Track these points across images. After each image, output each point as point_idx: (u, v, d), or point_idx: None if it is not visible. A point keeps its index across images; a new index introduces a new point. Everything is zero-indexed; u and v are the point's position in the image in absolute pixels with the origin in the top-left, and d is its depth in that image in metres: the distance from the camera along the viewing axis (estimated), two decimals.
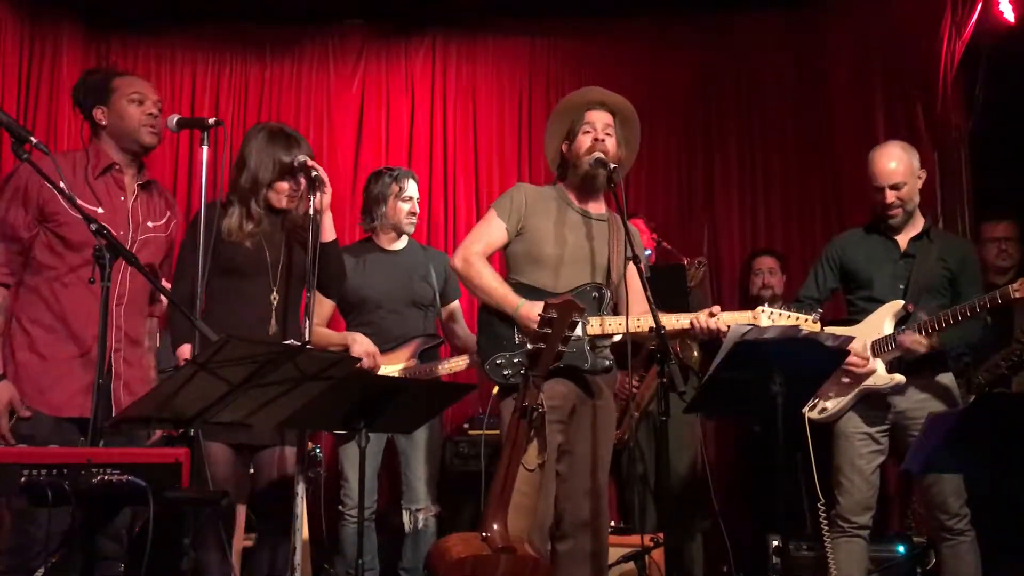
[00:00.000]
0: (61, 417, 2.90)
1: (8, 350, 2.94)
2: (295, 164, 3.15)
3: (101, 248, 2.56)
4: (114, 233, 2.95)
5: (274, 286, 3.16)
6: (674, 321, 3.21)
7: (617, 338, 3.29)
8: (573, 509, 3.23)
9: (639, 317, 3.20)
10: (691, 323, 3.20)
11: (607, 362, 3.29)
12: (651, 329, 2.97)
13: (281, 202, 3.19)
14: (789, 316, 3.20)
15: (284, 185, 3.17)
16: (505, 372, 3.20)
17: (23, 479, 1.99)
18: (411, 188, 4.19)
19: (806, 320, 3.19)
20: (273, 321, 3.14)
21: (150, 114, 3.08)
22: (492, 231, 3.35)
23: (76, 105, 3.18)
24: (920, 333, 3.49)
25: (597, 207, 3.45)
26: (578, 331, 3.18)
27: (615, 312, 3.37)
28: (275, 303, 3.15)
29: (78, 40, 5.91)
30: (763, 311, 3.22)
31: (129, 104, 3.07)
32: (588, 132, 3.35)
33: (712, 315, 3.18)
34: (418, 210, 4.24)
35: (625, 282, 3.31)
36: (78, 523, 2.13)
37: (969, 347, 3.81)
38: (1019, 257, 4.53)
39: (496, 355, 3.22)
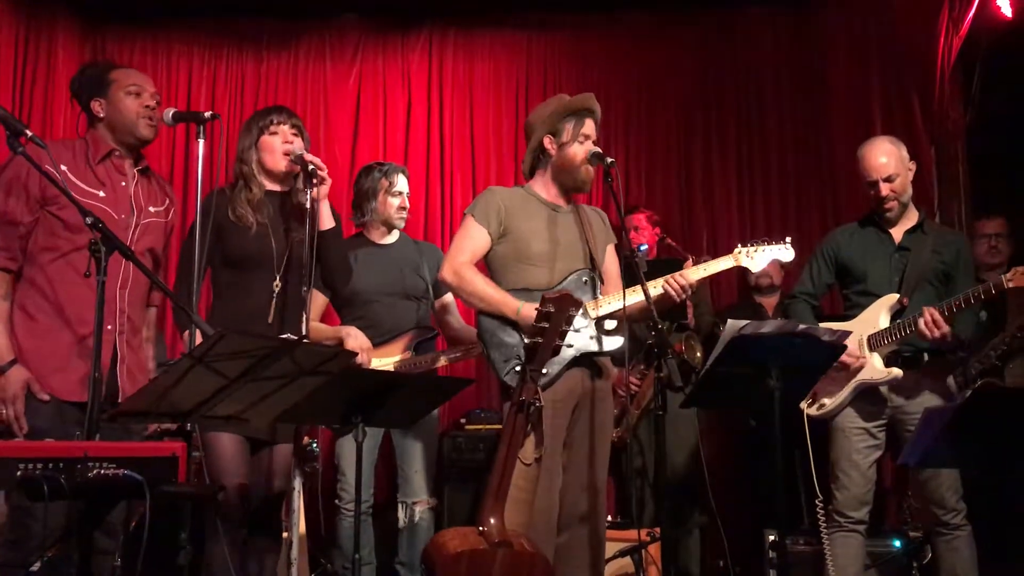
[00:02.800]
0: (62, 402, 2.90)
1: (12, 337, 2.93)
2: (292, 156, 3.17)
3: (97, 242, 2.55)
4: (117, 217, 2.98)
5: (277, 274, 3.17)
6: (652, 292, 3.25)
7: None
8: (571, 502, 3.24)
9: (635, 293, 3.22)
10: (664, 286, 3.28)
11: (619, 340, 3.31)
12: (650, 328, 2.98)
13: (276, 161, 3.20)
14: (765, 251, 3.43)
15: (268, 140, 3.21)
16: None
17: (19, 473, 1.99)
18: (401, 183, 4.19)
19: (781, 248, 3.44)
20: (272, 310, 3.14)
21: (147, 106, 3.08)
22: (475, 239, 3.35)
23: (73, 96, 3.17)
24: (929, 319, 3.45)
25: (564, 202, 3.47)
26: (585, 320, 3.23)
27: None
28: (276, 292, 3.15)
29: (74, 34, 5.89)
30: (739, 251, 3.43)
31: (127, 96, 3.07)
32: (583, 143, 3.38)
33: (679, 276, 3.29)
34: (408, 205, 4.23)
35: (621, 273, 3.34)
36: (75, 517, 2.13)
37: (963, 341, 3.80)
38: (1010, 253, 4.53)
39: (511, 362, 3.21)
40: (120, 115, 3.07)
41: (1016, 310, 4.20)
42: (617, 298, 3.26)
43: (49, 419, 2.86)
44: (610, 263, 3.47)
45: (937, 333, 3.42)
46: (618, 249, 3.53)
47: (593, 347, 3.26)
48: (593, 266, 3.40)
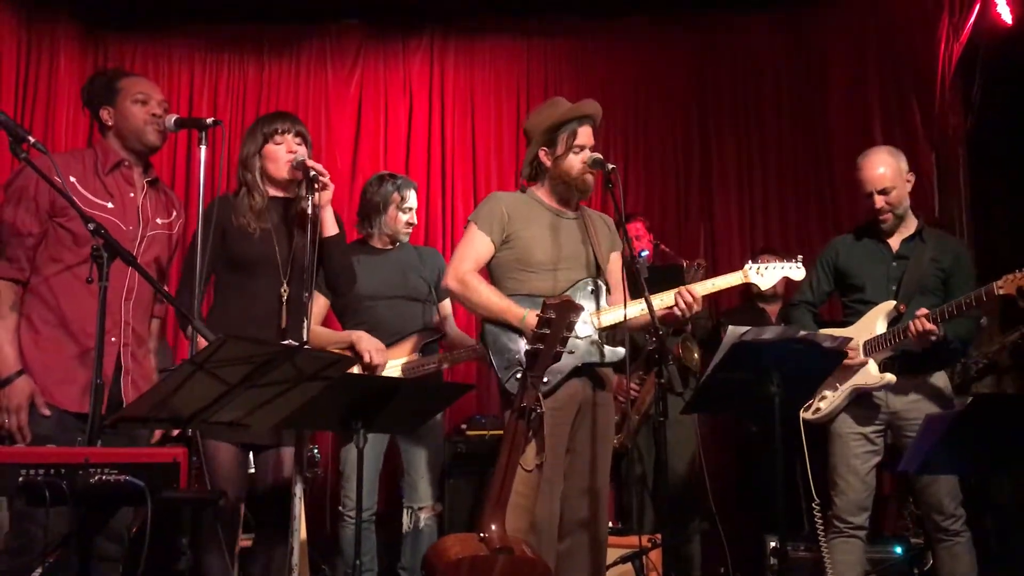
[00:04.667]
0: (67, 412, 2.90)
1: (19, 347, 2.94)
2: (294, 162, 3.17)
3: (99, 247, 2.55)
4: (124, 229, 2.98)
5: (284, 279, 3.17)
6: (657, 302, 3.22)
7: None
8: (572, 509, 3.23)
9: (638, 304, 3.22)
10: (675, 299, 3.25)
11: (621, 351, 3.29)
12: (651, 334, 2.98)
13: (279, 170, 3.20)
14: (775, 268, 3.42)
15: (273, 149, 3.20)
16: None
17: (21, 479, 1.99)
18: (412, 199, 4.17)
19: (792, 267, 3.43)
20: (284, 315, 3.14)
21: (154, 114, 3.08)
22: (478, 247, 3.34)
23: (85, 106, 3.18)
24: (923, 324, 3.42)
25: (569, 209, 3.45)
26: (588, 330, 3.21)
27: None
28: (285, 297, 3.16)
29: (76, 40, 5.91)
30: (749, 268, 3.41)
31: (133, 104, 3.08)
32: (578, 153, 3.34)
33: (689, 291, 3.23)
34: (416, 221, 4.23)
35: (623, 280, 3.32)
36: (76, 523, 2.13)
37: (959, 344, 3.79)
38: None
39: (514, 369, 3.19)
40: (127, 123, 3.08)
41: (991, 327, 4.21)
42: (620, 308, 3.24)
43: (51, 429, 2.86)
44: (615, 270, 3.44)
45: (921, 328, 3.40)
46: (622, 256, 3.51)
47: (595, 358, 3.25)
48: (598, 273, 3.39)
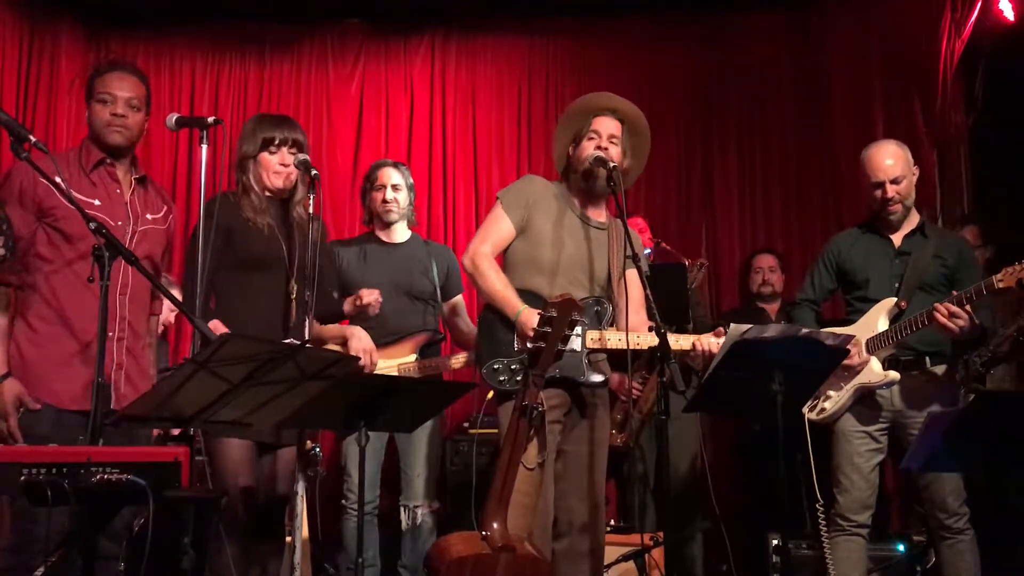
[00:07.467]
0: (64, 409, 2.90)
1: (13, 346, 2.94)
2: (295, 161, 3.15)
3: (100, 247, 2.55)
4: (113, 224, 2.97)
5: (292, 276, 3.17)
6: (674, 343, 3.11)
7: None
8: (569, 508, 3.22)
9: (639, 335, 3.17)
10: (693, 345, 3.17)
11: (603, 376, 3.26)
12: (651, 328, 2.96)
13: (272, 180, 3.19)
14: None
15: (268, 159, 3.18)
16: (501, 378, 3.18)
17: (23, 478, 1.99)
18: (384, 176, 4.19)
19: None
20: (293, 311, 3.14)
21: (114, 114, 3.04)
22: (500, 229, 3.31)
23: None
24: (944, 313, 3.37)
25: (598, 214, 3.41)
26: (577, 344, 3.16)
27: (614, 321, 3.34)
28: (294, 293, 3.15)
29: (78, 39, 5.92)
30: None
31: (98, 104, 3.06)
32: (593, 139, 3.32)
33: (717, 335, 3.14)
34: (393, 198, 4.17)
35: (625, 287, 3.29)
36: (78, 522, 2.13)
37: (985, 331, 3.76)
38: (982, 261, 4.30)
39: (493, 360, 3.20)
40: (92, 122, 3.07)
41: (1005, 316, 4.18)
42: (620, 339, 3.16)
43: (49, 426, 2.86)
44: (633, 283, 3.32)
45: (962, 322, 3.36)
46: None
47: (578, 376, 3.19)
48: (608, 290, 3.33)
